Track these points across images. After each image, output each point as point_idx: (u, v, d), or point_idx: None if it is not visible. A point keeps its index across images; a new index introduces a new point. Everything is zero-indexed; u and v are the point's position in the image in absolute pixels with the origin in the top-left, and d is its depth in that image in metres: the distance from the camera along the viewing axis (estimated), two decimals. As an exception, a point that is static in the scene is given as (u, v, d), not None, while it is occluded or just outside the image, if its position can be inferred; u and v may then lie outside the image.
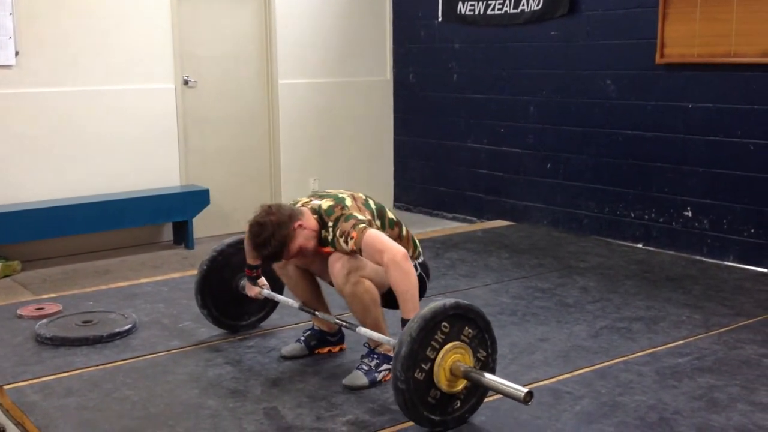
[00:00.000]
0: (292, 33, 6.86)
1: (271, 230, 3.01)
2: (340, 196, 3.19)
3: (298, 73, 6.95)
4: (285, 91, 6.88)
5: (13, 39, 5.57)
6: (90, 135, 6.00)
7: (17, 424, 2.94)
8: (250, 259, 3.46)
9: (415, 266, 3.11)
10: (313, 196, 3.29)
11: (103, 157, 6.06)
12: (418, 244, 3.35)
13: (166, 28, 6.24)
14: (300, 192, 6.70)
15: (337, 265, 3.06)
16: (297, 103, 6.98)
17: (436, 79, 7.16)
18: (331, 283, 3.37)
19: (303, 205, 3.20)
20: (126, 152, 6.16)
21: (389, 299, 3.09)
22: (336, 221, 3.07)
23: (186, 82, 6.41)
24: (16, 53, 5.61)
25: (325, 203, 3.16)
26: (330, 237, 3.09)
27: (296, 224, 3.05)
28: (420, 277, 2.97)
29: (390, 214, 3.26)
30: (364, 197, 3.24)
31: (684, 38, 5.31)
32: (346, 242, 3.00)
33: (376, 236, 2.95)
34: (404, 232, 3.27)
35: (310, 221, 3.12)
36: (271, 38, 6.78)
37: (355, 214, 3.07)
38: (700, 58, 5.24)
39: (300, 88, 6.98)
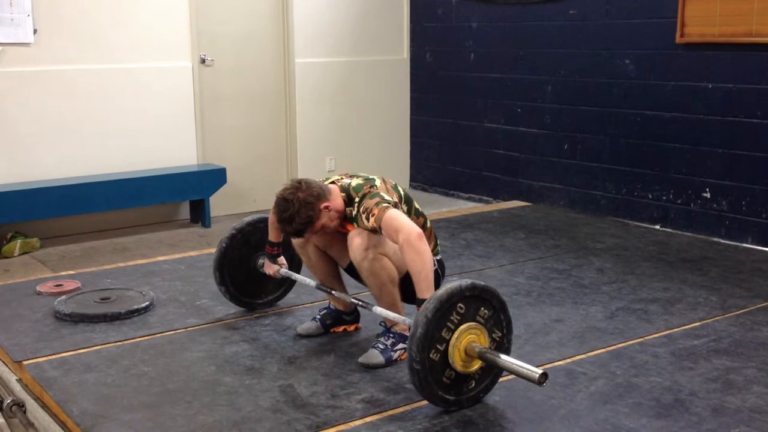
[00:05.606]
0: (309, 11, 6.84)
1: (297, 208, 3.05)
2: (371, 177, 3.23)
3: (314, 51, 6.93)
4: (301, 70, 6.87)
5: (31, 17, 5.59)
6: (107, 113, 6.02)
7: (36, 399, 2.98)
8: (272, 236, 3.48)
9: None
10: (344, 174, 3.32)
11: (121, 135, 6.09)
12: (438, 241, 3.36)
13: (183, 5, 6.24)
14: (316, 171, 6.74)
15: (357, 240, 3.07)
16: (313, 82, 6.97)
17: (453, 59, 7.12)
18: (347, 269, 3.39)
19: (333, 183, 3.23)
20: (143, 130, 6.18)
21: (408, 293, 3.10)
22: (362, 198, 3.10)
23: (203, 61, 6.41)
24: (35, 31, 5.63)
25: (355, 181, 3.19)
26: (354, 212, 3.11)
27: (323, 206, 3.09)
28: (435, 273, 2.98)
29: (417, 206, 3.28)
30: (393, 183, 3.27)
31: (705, 17, 5.25)
32: (368, 219, 3.02)
33: (396, 216, 2.96)
34: (428, 225, 3.28)
35: (337, 201, 3.15)
36: (288, 17, 6.76)
37: (382, 194, 3.09)
38: (721, 37, 5.19)
39: (316, 66, 6.97)
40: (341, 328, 3.50)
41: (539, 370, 2.59)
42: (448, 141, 7.31)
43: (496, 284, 3.69)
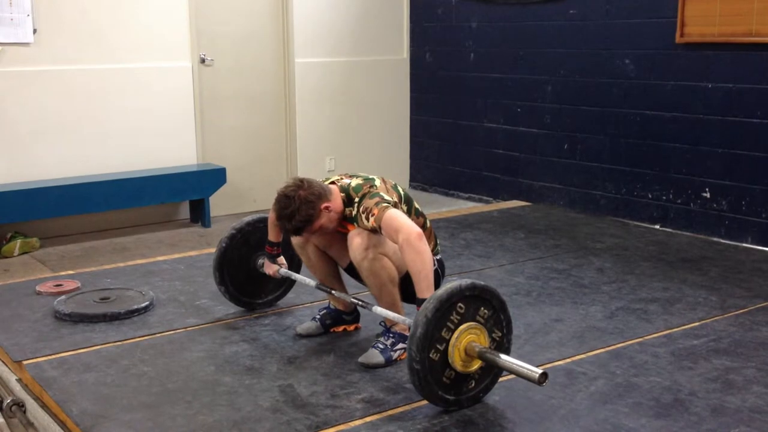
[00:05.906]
0: (309, 11, 6.84)
1: (298, 205, 3.06)
2: (371, 177, 3.23)
3: (314, 51, 6.93)
4: (301, 70, 6.87)
5: (31, 17, 5.59)
6: (107, 113, 6.02)
7: (36, 398, 2.98)
8: (272, 236, 3.48)
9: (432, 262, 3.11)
10: (344, 174, 3.32)
11: (121, 135, 6.09)
12: (438, 241, 3.36)
13: (183, 5, 6.24)
14: (316, 171, 6.74)
15: (357, 239, 3.07)
16: (313, 82, 6.97)
17: (452, 59, 7.12)
18: (347, 269, 3.39)
19: (333, 183, 3.23)
20: (143, 130, 6.18)
21: (408, 293, 3.10)
22: (362, 198, 3.10)
23: (203, 61, 6.41)
24: (34, 31, 5.63)
25: (355, 182, 3.20)
26: (354, 212, 3.12)
27: (323, 206, 3.09)
28: (435, 273, 2.98)
29: (416, 205, 3.28)
30: (393, 182, 3.27)
31: (704, 17, 5.25)
32: (367, 219, 3.03)
33: (396, 215, 2.96)
34: (428, 225, 3.28)
35: (337, 202, 3.15)
36: (288, 17, 6.76)
37: (382, 193, 3.09)
38: (721, 37, 5.19)
39: (316, 66, 6.97)
40: (341, 328, 3.50)
41: (539, 370, 2.59)
42: (448, 141, 7.31)
43: (496, 284, 3.69)
